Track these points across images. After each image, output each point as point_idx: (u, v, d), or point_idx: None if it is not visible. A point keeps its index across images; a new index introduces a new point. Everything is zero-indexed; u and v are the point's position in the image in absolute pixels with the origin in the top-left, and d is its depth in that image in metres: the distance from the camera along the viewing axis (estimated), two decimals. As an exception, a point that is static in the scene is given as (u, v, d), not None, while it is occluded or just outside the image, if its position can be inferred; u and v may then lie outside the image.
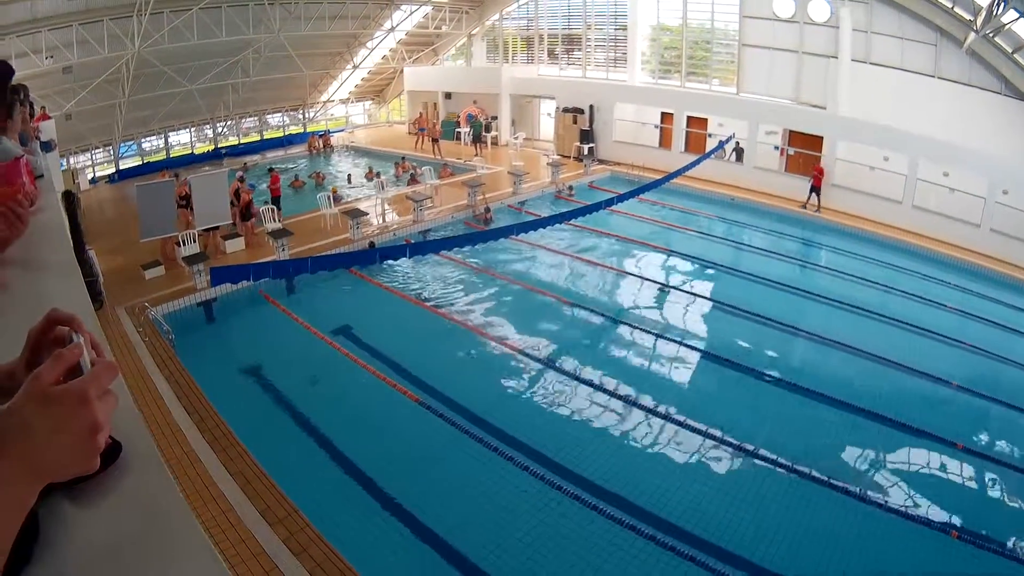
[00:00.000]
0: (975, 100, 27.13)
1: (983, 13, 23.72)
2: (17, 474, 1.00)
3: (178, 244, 19.62)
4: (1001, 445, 12.85)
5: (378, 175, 29.35)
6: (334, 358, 15.20)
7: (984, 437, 13.12)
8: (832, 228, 26.21)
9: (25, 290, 2.43)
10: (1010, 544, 10.21)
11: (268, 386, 14.41)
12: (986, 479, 12.06)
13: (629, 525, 10.21)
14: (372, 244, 19.86)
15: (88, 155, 33.22)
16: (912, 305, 19.18)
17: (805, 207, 28.38)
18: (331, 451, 12.02)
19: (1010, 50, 25.16)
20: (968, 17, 25.48)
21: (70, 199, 12.34)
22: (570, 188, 29.37)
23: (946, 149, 25.41)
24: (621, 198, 20.94)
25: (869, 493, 11.22)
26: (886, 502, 10.97)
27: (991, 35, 24.71)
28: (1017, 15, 21.75)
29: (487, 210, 25.11)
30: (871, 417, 13.31)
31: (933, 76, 28.25)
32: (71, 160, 31.42)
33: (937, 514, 10.73)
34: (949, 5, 26.36)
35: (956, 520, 10.61)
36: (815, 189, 28.11)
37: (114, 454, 1.51)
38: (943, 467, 12.27)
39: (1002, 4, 20.65)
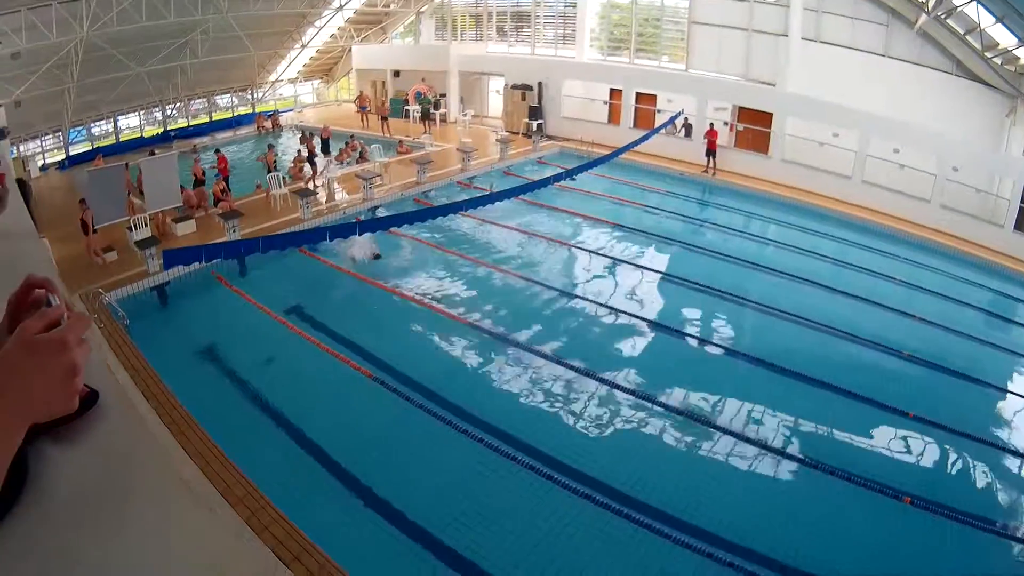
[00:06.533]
0: (926, 79, 27.87)
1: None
2: (8, 413, 1.16)
3: (129, 229, 19.63)
4: (950, 413, 13.24)
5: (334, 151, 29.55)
6: (288, 337, 15.31)
7: (933, 405, 13.47)
8: (780, 203, 26.72)
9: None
10: (962, 508, 10.62)
11: (224, 367, 14.50)
12: (937, 446, 12.54)
13: (583, 494, 10.50)
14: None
15: (38, 142, 32.89)
16: (862, 278, 19.78)
17: (706, 171, 29.62)
18: (288, 429, 12.14)
19: (962, 32, 25.66)
20: (920, -1, 25.96)
21: (23, 187, 12.35)
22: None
23: (896, 127, 26.19)
24: (570, 173, 21.24)
25: (822, 461, 11.60)
26: (840, 470, 11.32)
27: (943, 17, 25.19)
28: (968, -2, 22.24)
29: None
30: (822, 386, 13.78)
31: (884, 55, 28.74)
32: (20, 148, 31.11)
33: (891, 481, 11.07)
34: (901, -14, 26.89)
35: (908, 486, 10.98)
36: (711, 152, 29.41)
37: (92, 401, 1.78)
38: (895, 435, 12.72)
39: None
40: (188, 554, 1.54)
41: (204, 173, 24.39)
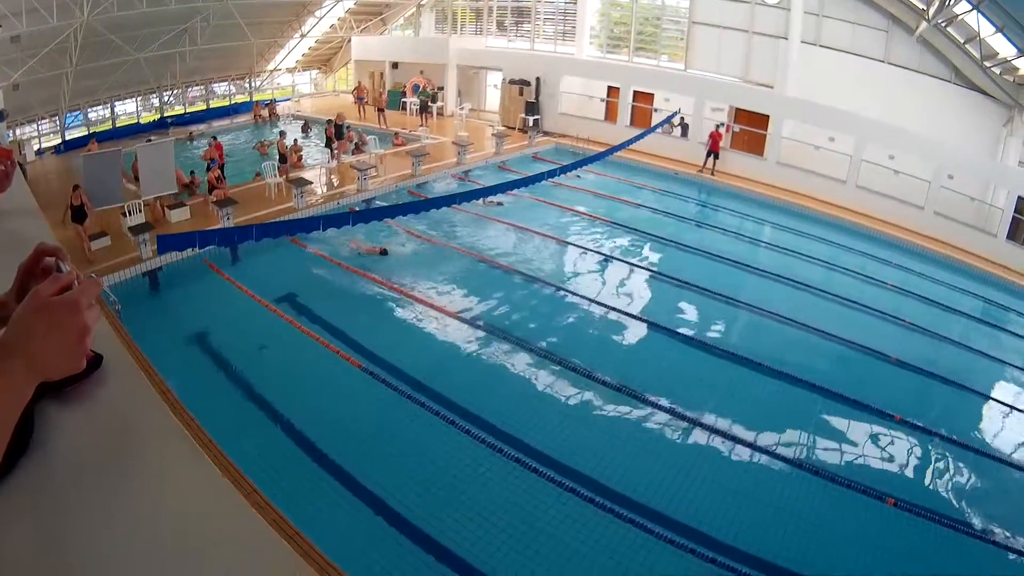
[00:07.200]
0: (924, 87, 28.05)
1: (936, 3, 24.28)
2: (22, 370, 1.24)
3: (124, 214, 19.64)
4: (935, 417, 13.52)
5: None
6: (279, 326, 15.32)
7: (919, 409, 13.66)
8: (774, 205, 26.81)
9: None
10: (942, 509, 10.80)
11: (214, 354, 14.52)
12: (921, 449, 12.70)
13: (570, 488, 10.56)
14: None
15: (34, 126, 32.76)
16: (853, 282, 19.96)
17: (702, 171, 29.79)
18: (277, 417, 12.19)
19: (962, 40, 25.79)
20: (921, 6, 26.06)
21: (20, 170, 12.30)
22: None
23: (893, 132, 26.33)
24: (564, 169, 21.32)
25: (807, 461, 11.76)
26: (824, 470, 11.48)
27: (943, 25, 25.31)
28: (969, 7, 22.32)
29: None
30: (811, 388, 13.90)
31: (883, 61, 28.92)
32: (16, 131, 30.98)
33: (874, 482, 11.21)
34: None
35: (892, 488, 11.10)
36: (713, 153, 29.42)
37: (96, 364, 1.83)
38: (880, 438, 12.84)
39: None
40: (185, 515, 1.58)
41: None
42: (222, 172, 23.79)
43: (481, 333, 15.70)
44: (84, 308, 1.31)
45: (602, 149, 25.43)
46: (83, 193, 18.29)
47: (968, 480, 11.99)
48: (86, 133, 34.02)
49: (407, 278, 18.06)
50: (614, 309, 17.28)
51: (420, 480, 10.76)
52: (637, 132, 28.37)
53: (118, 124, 36.51)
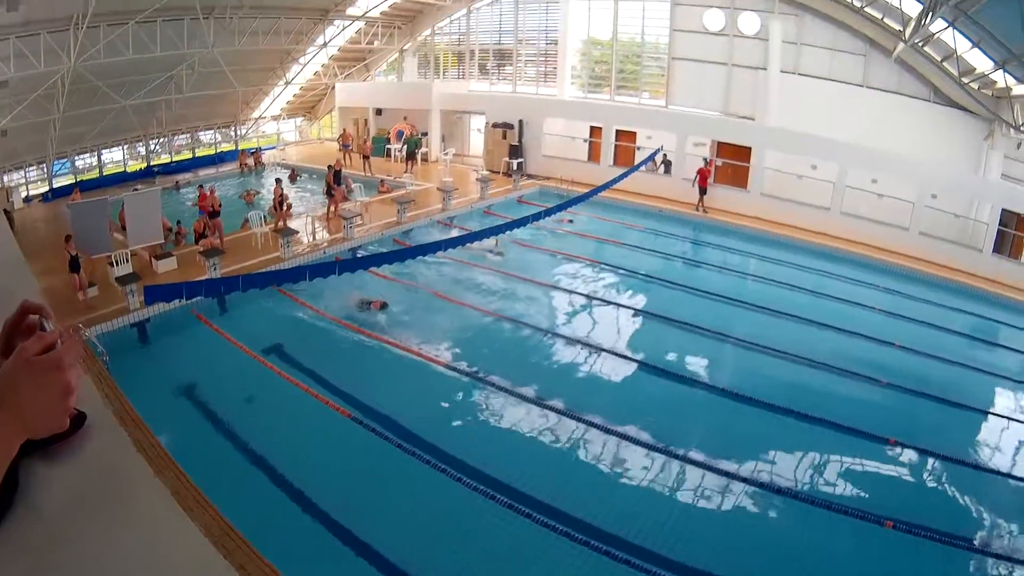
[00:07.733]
0: (905, 108, 28.46)
1: (912, 23, 24.55)
2: (9, 426, 1.30)
3: (111, 264, 19.68)
4: (930, 437, 13.56)
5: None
6: (267, 377, 15.25)
7: (914, 431, 13.79)
8: (761, 238, 26.98)
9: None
10: (942, 529, 10.83)
11: (203, 406, 14.43)
12: (917, 470, 12.89)
13: (563, 532, 10.49)
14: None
15: (21, 173, 32.90)
16: (843, 308, 20.15)
17: (705, 211, 29.91)
18: (266, 468, 12.08)
19: (939, 58, 26.17)
20: (897, 28, 26.35)
21: (7, 218, 12.30)
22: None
23: (874, 156, 26.72)
24: (549, 212, 21.27)
25: (803, 491, 11.82)
26: (821, 498, 11.53)
27: (920, 44, 25.66)
28: (945, 24, 22.55)
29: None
30: (803, 418, 13.94)
31: (862, 85, 29.26)
32: (4, 178, 31.06)
33: (872, 506, 11.26)
34: (879, 16, 27.59)
35: (890, 510, 11.13)
36: (702, 190, 29.48)
37: (80, 422, 1.91)
38: (876, 461, 12.96)
39: (930, 13, 21.39)
40: (169, 571, 1.64)
41: (220, 205, 24.55)
42: (210, 220, 23.72)
43: (469, 380, 15.65)
44: (68, 367, 1.36)
45: (587, 190, 25.56)
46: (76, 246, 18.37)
47: (966, 497, 12.07)
48: (73, 181, 34.13)
49: (396, 328, 18.06)
50: (602, 350, 17.27)
51: (414, 529, 10.74)
52: (621, 171, 28.44)
53: (105, 172, 36.64)
